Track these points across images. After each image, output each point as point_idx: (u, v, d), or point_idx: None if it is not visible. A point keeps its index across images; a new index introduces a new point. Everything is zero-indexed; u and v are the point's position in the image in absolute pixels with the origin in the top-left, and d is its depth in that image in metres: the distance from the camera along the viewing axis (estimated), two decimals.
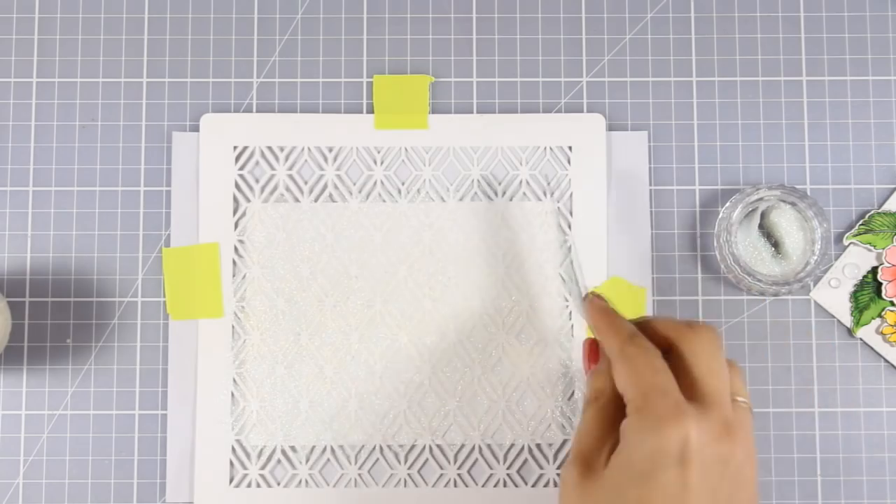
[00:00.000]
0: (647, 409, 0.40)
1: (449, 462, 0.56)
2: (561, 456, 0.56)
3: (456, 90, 0.59)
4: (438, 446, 0.57)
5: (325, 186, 0.58)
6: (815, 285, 0.58)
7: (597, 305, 0.46)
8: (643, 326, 0.44)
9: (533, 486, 0.56)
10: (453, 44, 0.59)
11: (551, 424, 0.56)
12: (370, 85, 0.59)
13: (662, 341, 0.43)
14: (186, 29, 0.59)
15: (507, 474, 0.56)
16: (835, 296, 0.57)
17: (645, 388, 0.41)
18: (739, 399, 0.42)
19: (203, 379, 0.56)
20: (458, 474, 0.56)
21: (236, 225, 0.58)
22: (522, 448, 0.57)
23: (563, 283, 0.56)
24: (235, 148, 0.58)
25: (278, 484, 0.56)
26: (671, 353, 0.43)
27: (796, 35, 0.59)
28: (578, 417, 0.56)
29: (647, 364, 0.41)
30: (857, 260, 0.57)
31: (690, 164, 0.58)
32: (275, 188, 0.58)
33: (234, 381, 0.57)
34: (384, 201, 0.58)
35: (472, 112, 0.59)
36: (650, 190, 0.58)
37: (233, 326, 0.57)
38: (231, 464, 0.56)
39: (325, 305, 0.57)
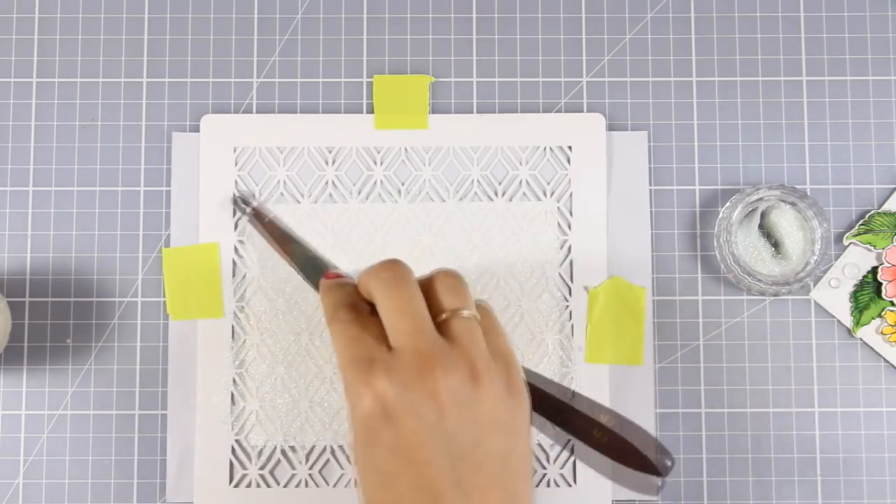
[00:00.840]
0: (345, 382, 0.40)
1: None
2: (562, 456, 0.56)
3: (456, 90, 0.59)
4: None
5: (325, 187, 0.58)
6: (815, 285, 0.58)
7: (322, 287, 0.45)
8: (358, 282, 0.44)
9: (532, 486, 0.56)
10: (453, 44, 0.59)
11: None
12: (370, 85, 0.59)
13: (365, 292, 0.43)
14: (186, 29, 0.59)
15: None
16: (835, 296, 0.57)
17: (341, 362, 0.41)
18: (464, 312, 0.41)
19: (203, 379, 0.56)
20: None
21: (236, 225, 0.58)
22: None
23: (299, 273, 0.55)
24: (235, 148, 0.58)
25: (278, 484, 0.56)
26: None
27: (796, 35, 0.59)
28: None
29: (340, 335, 0.41)
30: (857, 260, 0.57)
31: (690, 164, 0.58)
32: (275, 188, 0.58)
33: (234, 381, 0.57)
34: (384, 201, 0.58)
35: (472, 112, 0.59)
36: (650, 190, 0.58)
37: (233, 326, 0.57)
38: (231, 464, 0.56)
39: None
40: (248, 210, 0.56)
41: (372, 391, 0.39)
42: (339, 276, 0.46)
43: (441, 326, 0.42)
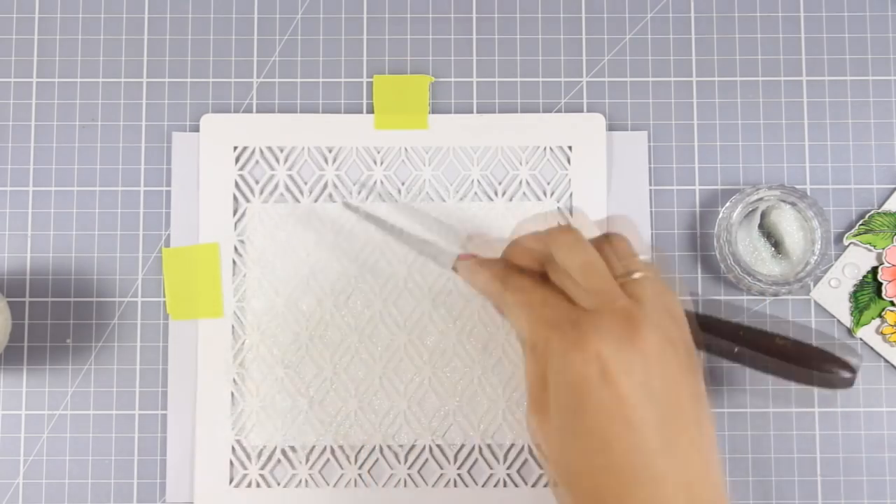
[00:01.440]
0: (542, 349, 0.39)
1: (449, 462, 0.56)
2: None
3: (456, 90, 0.59)
4: (438, 446, 0.57)
5: (325, 186, 0.58)
6: (815, 285, 0.58)
7: (465, 269, 0.44)
8: (514, 251, 0.43)
9: (533, 486, 0.56)
10: (453, 44, 0.59)
11: None
12: (370, 85, 0.59)
13: (537, 258, 0.42)
14: (186, 29, 0.59)
15: (507, 474, 0.56)
16: (835, 296, 0.57)
17: (535, 328, 0.40)
18: (636, 274, 0.41)
19: (203, 379, 0.56)
20: (458, 474, 0.56)
21: (236, 225, 0.58)
22: (522, 448, 0.57)
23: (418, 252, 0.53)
24: (235, 148, 0.58)
25: (278, 484, 0.56)
26: (551, 266, 0.42)
27: (796, 35, 0.59)
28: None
29: (526, 303, 0.41)
30: (857, 260, 0.57)
31: (690, 164, 0.58)
32: (275, 188, 0.58)
33: (234, 381, 0.57)
34: (384, 201, 0.58)
35: (472, 112, 0.59)
36: (650, 190, 0.58)
37: (233, 326, 0.57)
38: (231, 464, 0.56)
39: (325, 305, 0.57)
40: (361, 211, 0.55)
41: (585, 352, 0.38)
42: (473, 255, 0.45)
43: (623, 287, 0.41)
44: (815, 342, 0.53)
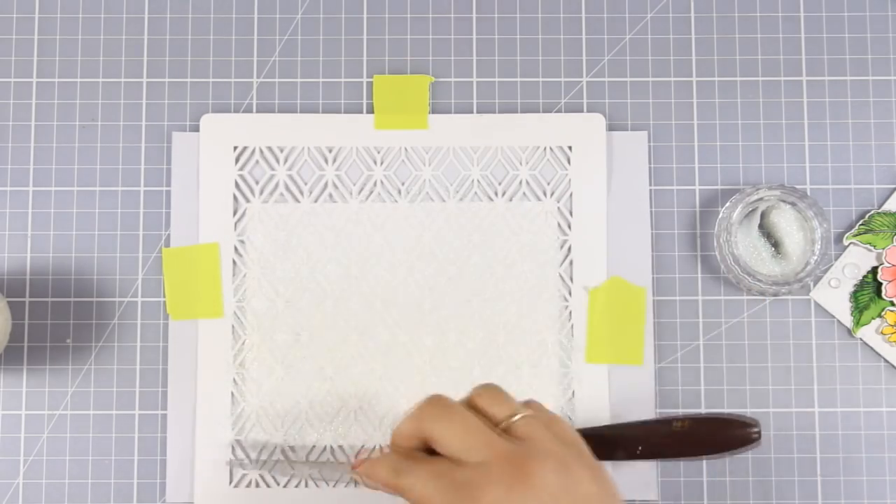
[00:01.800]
0: None
1: None
2: None
3: (456, 90, 0.59)
4: None
5: (325, 186, 0.58)
6: (815, 285, 0.58)
7: (362, 473, 0.45)
8: (397, 439, 0.44)
9: None
10: (453, 44, 0.59)
11: None
12: (370, 85, 0.59)
13: (419, 436, 0.43)
14: (186, 29, 0.59)
15: None
16: (835, 296, 0.57)
17: (434, 501, 0.41)
18: (516, 417, 0.43)
19: (203, 379, 0.56)
20: None
21: (236, 225, 0.58)
22: None
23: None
24: (235, 148, 0.58)
25: (278, 484, 0.56)
26: (432, 439, 0.43)
27: (796, 35, 0.59)
28: (574, 418, 0.56)
29: (418, 481, 0.42)
30: (857, 260, 0.57)
31: (690, 164, 0.58)
32: (275, 188, 0.58)
33: (234, 381, 0.57)
34: (384, 201, 0.58)
35: (472, 112, 0.59)
36: (650, 190, 0.58)
37: (233, 326, 0.57)
38: (231, 464, 0.56)
39: (325, 305, 0.57)
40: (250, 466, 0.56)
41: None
42: (364, 460, 0.46)
43: (505, 434, 0.43)
44: (705, 410, 0.56)
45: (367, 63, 0.59)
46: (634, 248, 0.57)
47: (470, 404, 0.44)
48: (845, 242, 0.57)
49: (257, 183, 0.58)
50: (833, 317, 0.57)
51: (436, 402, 0.43)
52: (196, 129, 0.58)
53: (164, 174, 0.58)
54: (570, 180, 0.58)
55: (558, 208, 0.58)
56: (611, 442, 0.52)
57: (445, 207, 0.58)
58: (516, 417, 0.43)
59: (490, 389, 0.44)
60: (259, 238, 0.58)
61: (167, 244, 0.58)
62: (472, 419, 0.42)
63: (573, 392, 0.57)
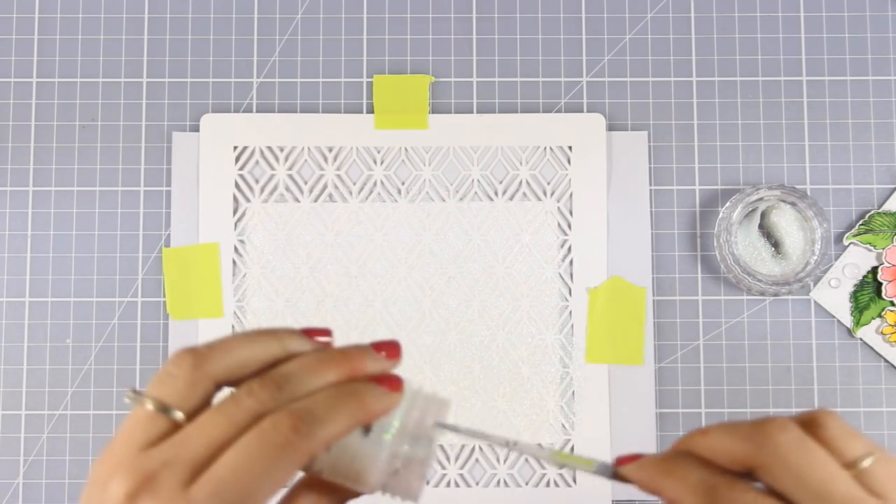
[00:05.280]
0: None
1: (449, 462, 0.56)
2: None
3: (456, 90, 0.59)
4: (439, 446, 0.57)
5: (325, 186, 0.58)
6: (815, 285, 0.58)
7: (641, 470, 0.35)
8: (703, 447, 0.35)
9: (533, 486, 0.56)
10: (453, 44, 0.59)
11: (551, 424, 0.56)
12: (370, 85, 0.59)
13: (737, 458, 0.34)
14: (186, 29, 0.59)
15: (508, 474, 0.56)
16: (835, 296, 0.57)
17: None
18: (865, 462, 0.35)
19: None
20: (459, 474, 0.56)
21: (236, 225, 0.58)
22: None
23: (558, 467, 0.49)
24: (235, 148, 0.58)
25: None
26: (763, 468, 0.34)
27: (796, 35, 0.59)
28: (577, 417, 0.56)
29: None
30: (857, 260, 0.57)
31: (690, 164, 0.58)
32: (275, 188, 0.58)
33: None
34: (384, 201, 0.58)
35: (472, 112, 0.59)
36: (650, 190, 0.58)
37: (233, 326, 0.57)
38: None
39: (325, 305, 0.57)
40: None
41: None
42: (635, 455, 0.35)
43: (859, 483, 0.35)
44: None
45: (367, 63, 0.59)
46: (634, 248, 0.57)
47: (810, 431, 0.35)
48: (845, 242, 0.57)
49: (257, 183, 0.58)
50: (833, 317, 0.57)
51: (787, 428, 0.34)
52: (196, 129, 0.58)
53: (164, 174, 0.58)
54: (570, 180, 0.58)
55: (558, 208, 0.58)
56: None
57: (445, 207, 0.58)
58: (866, 462, 0.35)
59: (830, 417, 0.36)
60: (259, 238, 0.58)
61: (167, 244, 0.58)
62: (831, 464, 0.34)
63: (573, 392, 0.57)
